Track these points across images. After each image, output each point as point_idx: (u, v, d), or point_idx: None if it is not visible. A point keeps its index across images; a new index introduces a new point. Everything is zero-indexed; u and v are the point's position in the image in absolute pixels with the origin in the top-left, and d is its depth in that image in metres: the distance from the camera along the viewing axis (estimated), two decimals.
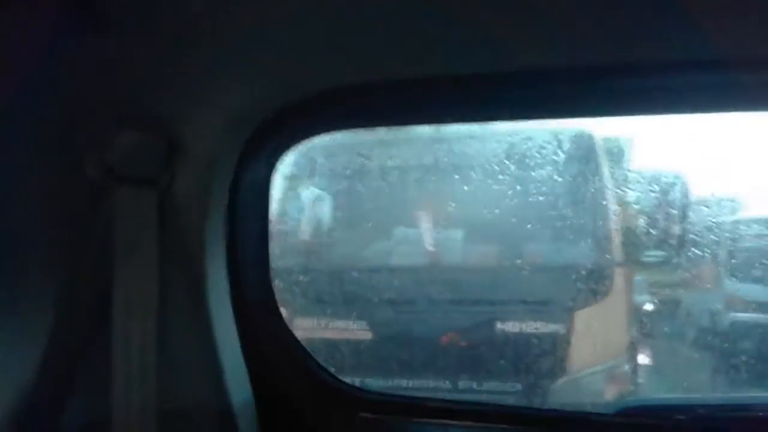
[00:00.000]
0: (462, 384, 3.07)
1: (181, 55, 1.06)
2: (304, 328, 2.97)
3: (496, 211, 3.05)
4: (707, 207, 3.30)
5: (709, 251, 3.31)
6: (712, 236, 3.26)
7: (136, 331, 1.10)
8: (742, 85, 1.12)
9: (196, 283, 1.22)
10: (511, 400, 2.94)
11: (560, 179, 3.08)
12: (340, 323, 3.18)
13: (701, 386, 3.38)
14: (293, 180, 3.00)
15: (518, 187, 2.96)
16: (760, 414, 1.50)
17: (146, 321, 1.12)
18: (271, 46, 1.06)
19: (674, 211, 3.20)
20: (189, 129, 1.15)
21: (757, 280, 3.73)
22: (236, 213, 1.27)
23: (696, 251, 3.23)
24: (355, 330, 3.17)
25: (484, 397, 2.99)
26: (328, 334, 3.12)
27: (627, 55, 1.07)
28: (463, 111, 1.32)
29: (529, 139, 2.80)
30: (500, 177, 2.92)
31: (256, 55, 1.08)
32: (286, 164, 1.43)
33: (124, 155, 1.08)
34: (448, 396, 2.97)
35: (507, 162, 2.84)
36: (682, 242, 3.18)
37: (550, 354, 3.12)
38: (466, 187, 3.03)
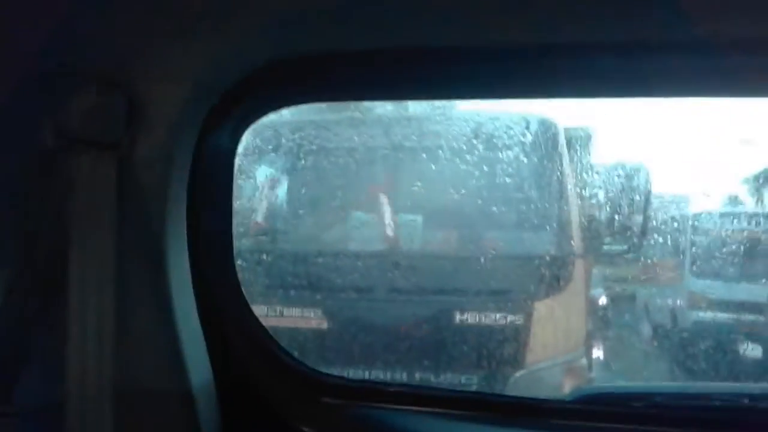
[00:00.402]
0: (419, 376, 3.13)
1: (145, 17, 1.07)
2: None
3: (450, 204, 3.10)
4: (667, 199, 3.44)
5: (670, 243, 3.46)
6: (673, 228, 3.40)
7: (92, 305, 1.11)
8: (727, 69, 1.16)
9: (156, 255, 1.23)
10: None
11: (523, 165, 3.16)
12: (292, 312, 3.19)
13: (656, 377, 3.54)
14: (255, 155, 2.99)
15: (485, 169, 3.03)
16: (715, 403, 1.60)
17: (103, 294, 1.12)
18: (240, 12, 1.08)
19: (634, 202, 3.32)
20: (151, 93, 1.15)
21: (715, 276, 3.90)
22: (199, 184, 1.28)
23: (655, 243, 3.36)
24: (310, 319, 3.19)
25: None
26: (277, 323, 3.14)
27: (604, 35, 1.10)
28: (433, 87, 1.35)
29: (497, 119, 2.87)
30: (459, 163, 2.98)
31: (223, 20, 1.09)
32: (248, 138, 1.45)
33: (83, 118, 1.09)
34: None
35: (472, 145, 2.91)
36: (642, 233, 3.30)
37: (505, 347, 3.19)
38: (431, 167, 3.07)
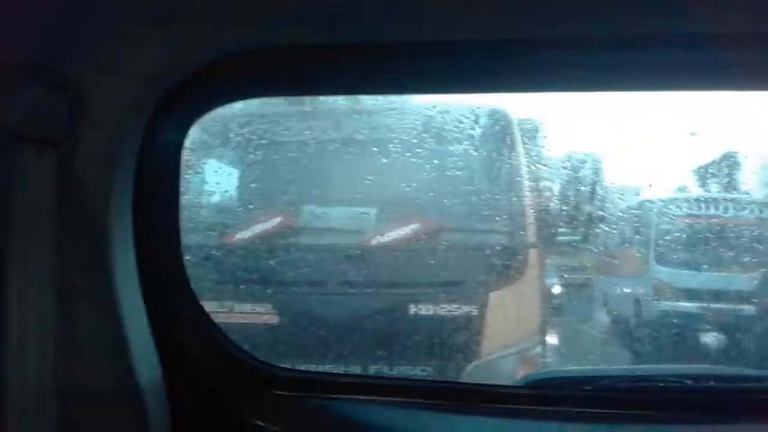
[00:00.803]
0: (373, 369, 3.16)
1: (90, 12, 1.08)
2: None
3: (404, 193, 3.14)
4: (618, 189, 3.55)
5: (616, 231, 3.56)
6: (622, 217, 3.50)
7: (32, 304, 1.11)
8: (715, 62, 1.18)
9: (101, 254, 1.23)
10: None
11: (476, 156, 3.22)
12: (244, 307, 3.19)
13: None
14: (202, 149, 2.98)
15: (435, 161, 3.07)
16: (659, 384, 1.69)
17: (44, 294, 1.12)
18: (188, 7, 1.09)
19: (586, 192, 3.41)
20: (96, 88, 1.15)
21: (670, 263, 4.03)
22: (144, 181, 1.28)
23: (606, 231, 3.46)
24: (261, 314, 3.19)
25: None
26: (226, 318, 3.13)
27: (596, 29, 1.12)
28: (383, 81, 1.39)
29: (447, 112, 2.92)
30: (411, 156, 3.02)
31: (169, 14, 1.10)
32: (196, 132, 1.45)
33: (24, 113, 1.09)
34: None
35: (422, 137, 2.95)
36: (592, 222, 3.39)
37: (459, 338, 3.25)
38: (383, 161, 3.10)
